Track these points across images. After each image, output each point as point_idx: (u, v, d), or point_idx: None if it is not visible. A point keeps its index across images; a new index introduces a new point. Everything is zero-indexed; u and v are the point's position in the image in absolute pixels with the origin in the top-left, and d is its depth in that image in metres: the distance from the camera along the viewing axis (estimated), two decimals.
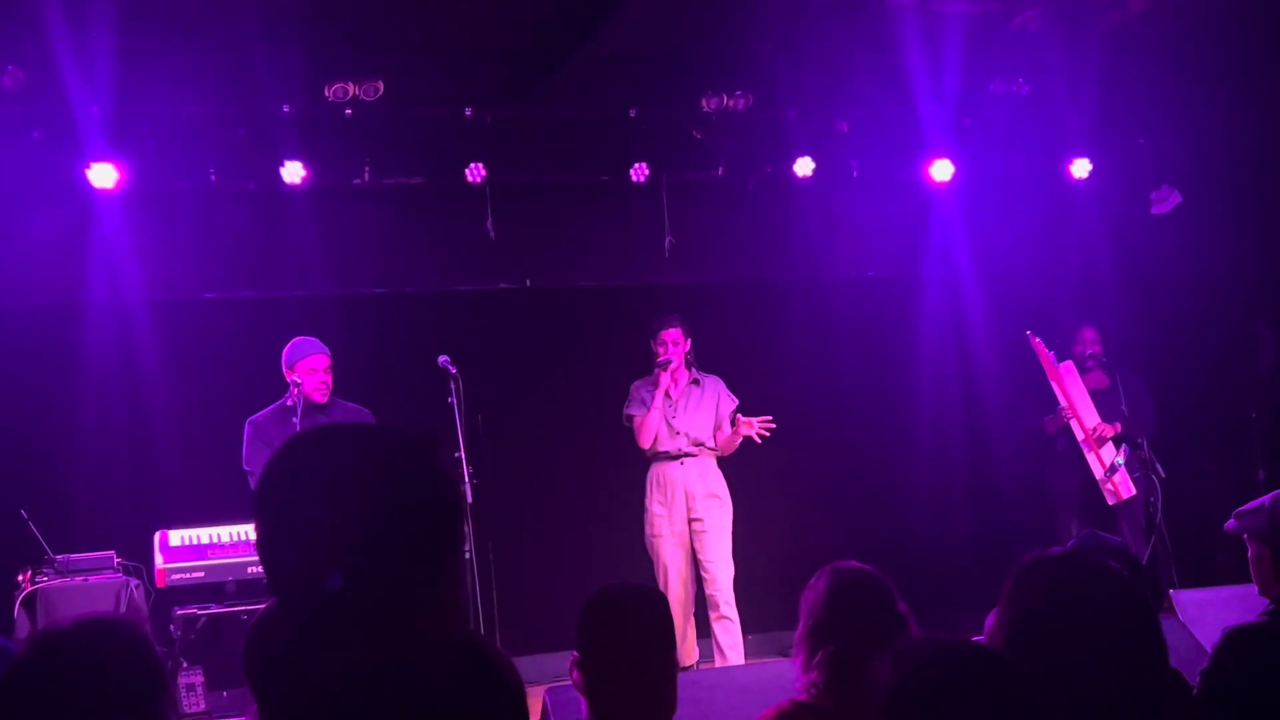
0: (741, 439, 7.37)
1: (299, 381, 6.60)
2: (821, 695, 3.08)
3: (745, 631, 7.47)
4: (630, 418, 7.62)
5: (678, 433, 7.47)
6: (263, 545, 1.65)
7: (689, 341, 7.58)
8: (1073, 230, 9.09)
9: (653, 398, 7.50)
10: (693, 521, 7.42)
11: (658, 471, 7.51)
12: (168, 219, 7.79)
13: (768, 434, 7.29)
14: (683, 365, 7.53)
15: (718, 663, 7.19)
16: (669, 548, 7.40)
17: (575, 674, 3.00)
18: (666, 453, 7.50)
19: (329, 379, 6.68)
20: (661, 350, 7.51)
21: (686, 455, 7.47)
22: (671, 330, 7.54)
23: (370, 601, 1.59)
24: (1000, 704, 2.03)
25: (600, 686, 2.97)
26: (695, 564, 7.40)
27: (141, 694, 2.32)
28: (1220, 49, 7.93)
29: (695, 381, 7.59)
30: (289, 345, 6.75)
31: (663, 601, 3.10)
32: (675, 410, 7.49)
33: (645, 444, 7.51)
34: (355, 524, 1.59)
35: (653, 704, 2.98)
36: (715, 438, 7.48)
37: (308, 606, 1.61)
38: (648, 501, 7.51)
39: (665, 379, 7.46)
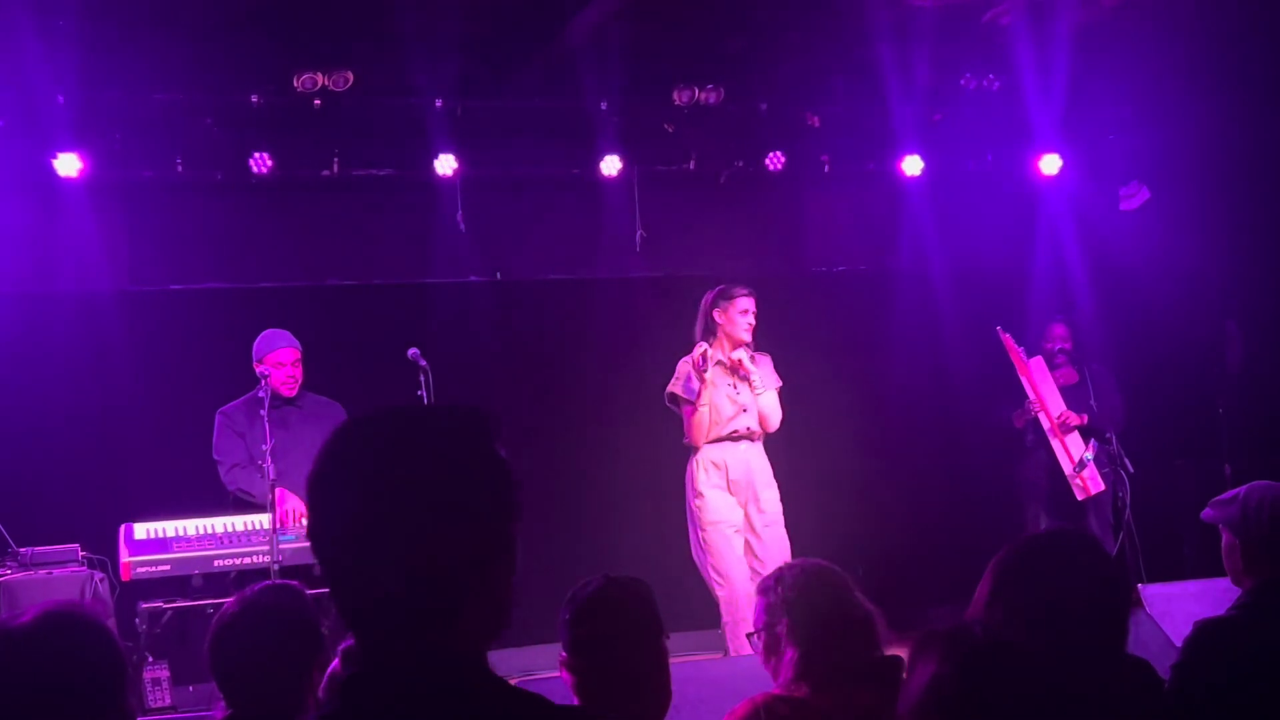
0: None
1: (266, 374, 6.56)
2: (792, 688, 3.08)
3: (708, 625, 7.43)
4: (674, 397, 7.01)
5: (746, 409, 6.86)
6: (313, 534, 1.63)
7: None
8: (1042, 226, 9.13)
9: (701, 380, 6.81)
10: (754, 513, 6.86)
11: (712, 455, 6.86)
12: (135, 209, 7.73)
13: (746, 374, 6.86)
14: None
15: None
16: (730, 538, 6.79)
17: (565, 674, 2.95)
18: (733, 433, 6.87)
19: (298, 372, 6.66)
20: (744, 323, 6.86)
21: (749, 437, 6.91)
22: (751, 299, 6.92)
23: (423, 591, 1.57)
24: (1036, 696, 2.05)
25: (593, 684, 2.91)
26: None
27: (103, 684, 2.29)
28: (1190, 45, 7.95)
29: (751, 358, 6.99)
30: (259, 338, 6.72)
31: (647, 590, 3.03)
32: (738, 388, 6.88)
33: (699, 441, 6.88)
34: (405, 511, 1.56)
35: (647, 696, 2.94)
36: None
37: (362, 596, 1.58)
38: (699, 486, 6.86)
39: (741, 354, 6.85)
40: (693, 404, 6.82)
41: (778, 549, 6.76)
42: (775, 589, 3.20)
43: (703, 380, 6.80)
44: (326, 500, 1.61)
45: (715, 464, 6.86)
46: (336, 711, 1.61)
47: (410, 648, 1.57)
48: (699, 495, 6.86)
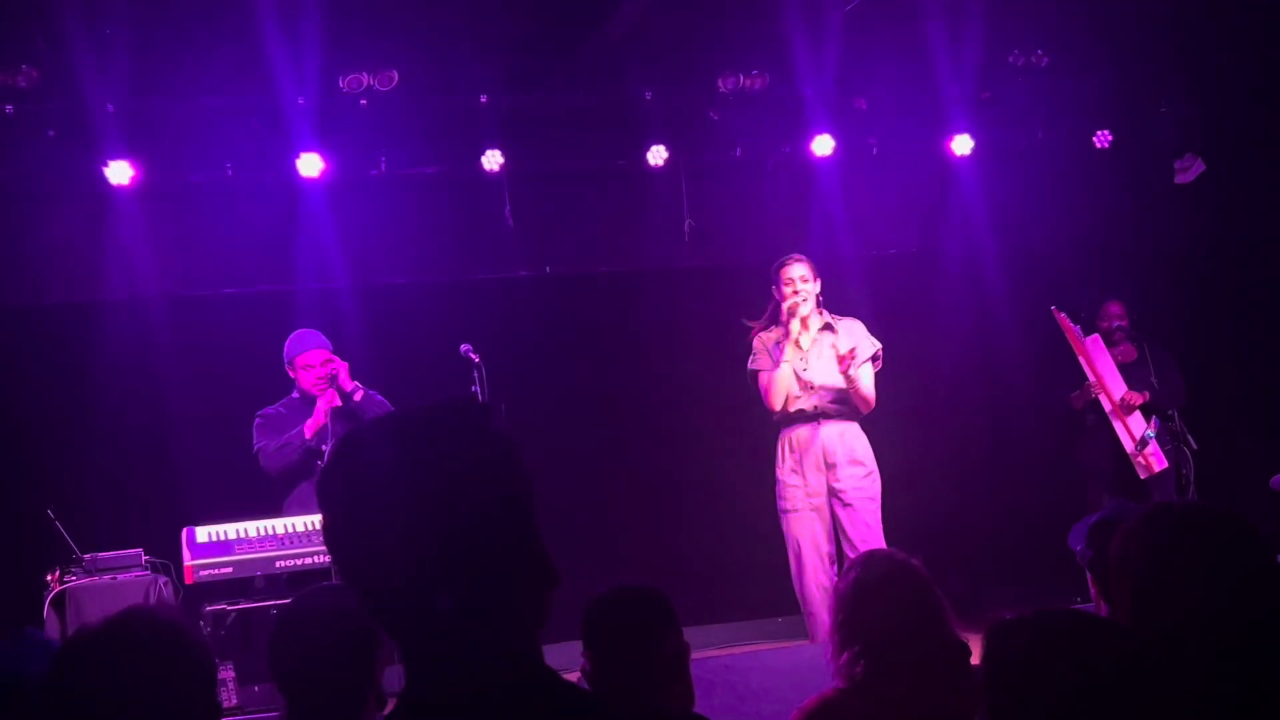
0: (859, 381, 6.56)
1: (296, 378, 6.64)
2: (860, 683, 3.05)
3: (767, 614, 7.39)
4: (755, 374, 6.73)
5: (811, 388, 6.59)
6: (328, 539, 1.62)
7: (819, 280, 6.70)
8: (1095, 202, 9.01)
9: (780, 350, 6.61)
10: (836, 494, 6.57)
11: (790, 435, 6.64)
12: (184, 215, 7.77)
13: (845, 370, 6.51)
14: (816, 309, 6.66)
15: None
16: (804, 523, 6.54)
17: (580, 680, 2.99)
18: (801, 412, 6.61)
19: (328, 369, 6.63)
20: (788, 292, 6.59)
21: (823, 415, 6.61)
22: (797, 266, 6.63)
23: (461, 586, 1.55)
24: (1107, 670, 2.01)
25: (603, 685, 2.96)
26: (837, 542, 6.59)
27: (195, 683, 2.29)
28: (1241, 12, 7.82)
29: (828, 327, 6.68)
30: (289, 339, 6.75)
31: (661, 598, 3.07)
32: (806, 362, 6.58)
33: (775, 404, 6.60)
34: (417, 512, 1.55)
35: (665, 700, 2.97)
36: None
37: (395, 597, 1.57)
38: (778, 470, 6.66)
39: (791, 329, 6.57)
40: (772, 369, 6.60)
41: (865, 531, 6.47)
42: (846, 578, 3.18)
43: (788, 335, 6.57)
44: (341, 508, 1.60)
45: (790, 445, 6.64)
46: (399, 711, 1.59)
47: (456, 646, 1.56)
48: (776, 479, 6.68)
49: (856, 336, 6.66)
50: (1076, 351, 8.00)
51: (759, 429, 8.41)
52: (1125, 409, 7.85)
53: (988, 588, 8.18)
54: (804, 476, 6.57)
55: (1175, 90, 8.68)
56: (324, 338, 6.72)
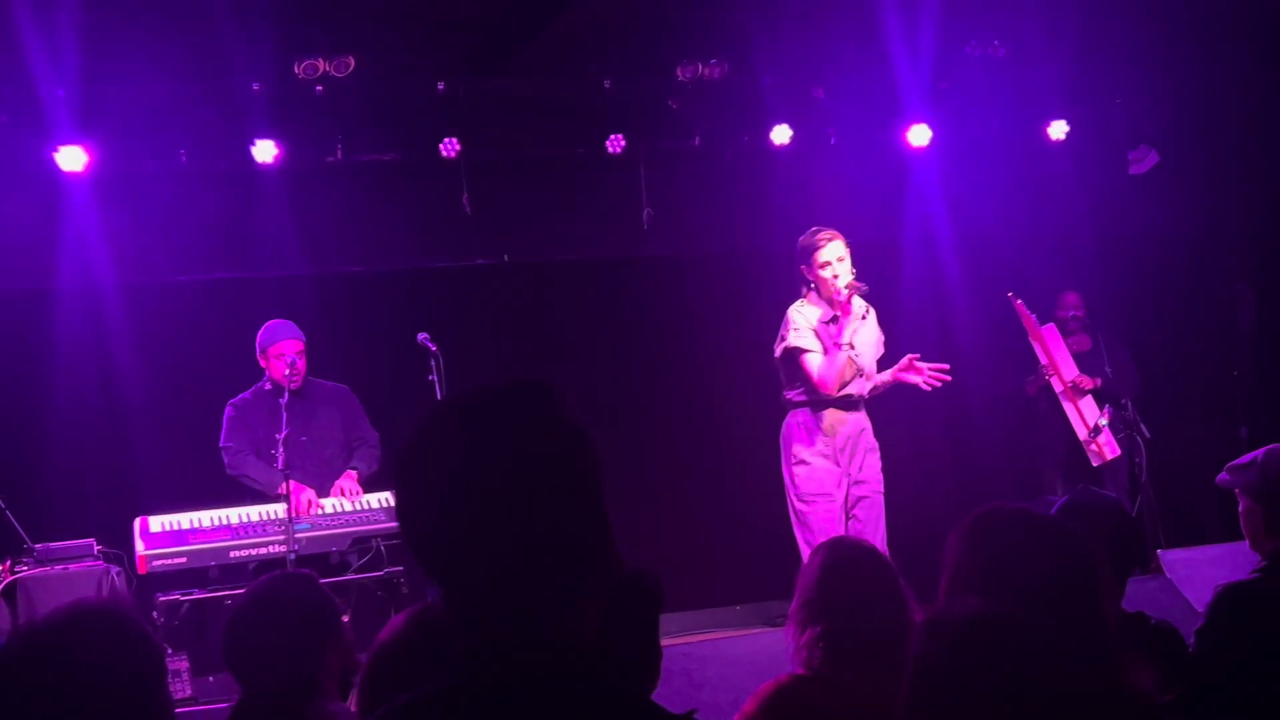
0: (892, 384, 6.38)
1: (268, 366, 6.61)
2: (818, 669, 3.06)
3: (725, 602, 7.39)
4: (798, 353, 6.26)
5: (861, 374, 6.31)
6: (403, 517, 1.62)
7: (850, 255, 6.29)
8: (1051, 192, 9.08)
9: (830, 331, 6.23)
10: (858, 481, 6.33)
11: (829, 420, 6.28)
12: (138, 201, 7.69)
13: (938, 384, 6.35)
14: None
15: None
16: (834, 512, 6.24)
17: None
18: (848, 398, 6.30)
19: (301, 364, 6.62)
20: (827, 274, 6.20)
21: (857, 403, 6.35)
22: (836, 243, 6.22)
23: (518, 577, 1.55)
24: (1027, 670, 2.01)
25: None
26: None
27: (144, 679, 2.28)
28: (1196, 6, 7.89)
29: (867, 310, 6.40)
30: (263, 328, 6.72)
31: (653, 583, 3.04)
32: (855, 347, 6.27)
33: (833, 388, 6.22)
34: (490, 499, 1.54)
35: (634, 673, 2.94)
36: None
37: (469, 577, 1.56)
38: (799, 453, 6.30)
39: (858, 306, 6.26)
40: (822, 352, 6.22)
41: (877, 520, 6.32)
42: (813, 561, 3.18)
43: (846, 311, 6.20)
44: (417, 488, 1.60)
45: (827, 429, 6.28)
46: (447, 690, 1.57)
47: (524, 632, 1.55)
48: (800, 463, 6.31)
49: (876, 323, 6.53)
50: (1032, 338, 8.08)
51: (719, 416, 8.46)
52: (1077, 392, 7.92)
53: (936, 570, 8.22)
54: (840, 462, 6.29)
55: (1130, 82, 8.74)
56: (299, 330, 6.70)
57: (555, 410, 1.61)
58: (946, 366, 6.34)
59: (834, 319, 6.27)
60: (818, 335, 6.28)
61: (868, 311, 6.46)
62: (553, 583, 1.56)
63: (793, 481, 6.34)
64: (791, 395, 6.42)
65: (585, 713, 1.54)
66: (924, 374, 6.29)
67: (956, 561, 2.61)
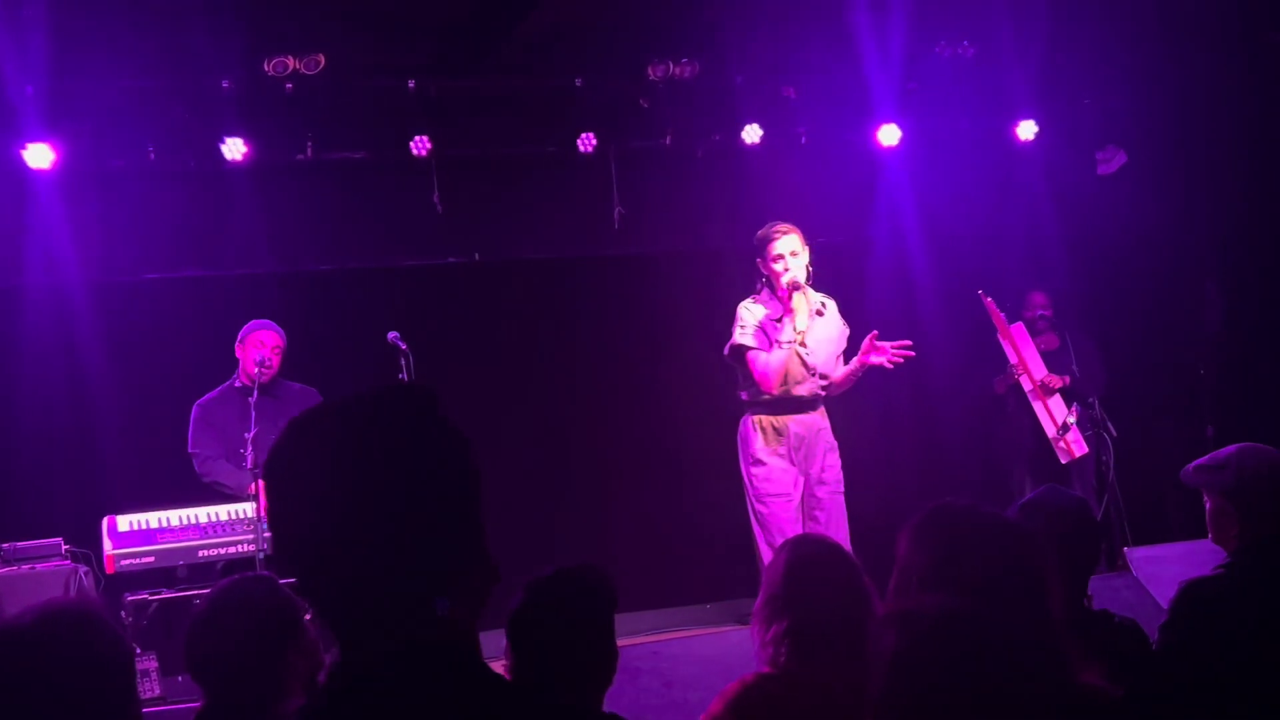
0: (861, 372, 6.23)
1: (244, 353, 6.64)
2: (783, 666, 3.07)
3: (695, 600, 7.40)
4: (742, 350, 6.22)
5: (813, 374, 6.24)
6: (275, 523, 1.62)
7: (808, 249, 6.25)
8: (1019, 192, 9.11)
9: (777, 328, 6.16)
10: (818, 481, 6.28)
11: (781, 420, 6.24)
12: (107, 199, 7.64)
13: (901, 361, 6.21)
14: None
15: None
16: (790, 512, 6.19)
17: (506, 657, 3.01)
18: (799, 398, 6.25)
19: (275, 359, 6.62)
20: (779, 267, 6.14)
21: (818, 401, 6.30)
22: (788, 238, 6.15)
23: (402, 572, 1.55)
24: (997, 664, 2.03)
25: (525, 670, 2.98)
26: None
27: (113, 680, 2.27)
28: (1165, 6, 7.94)
29: (823, 306, 6.31)
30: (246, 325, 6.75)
31: (601, 582, 3.08)
32: (807, 345, 6.19)
33: (775, 387, 6.16)
34: (360, 499, 1.55)
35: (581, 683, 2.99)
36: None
37: (337, 584, 1.57)
38: (758, 454, 6.23)
39: (798, 302, 6.10)
40: (774, 352, 6.15)
41: (838, 519, 6.27)
42: (779, 557, 3.19)
43: (787, 309, 6.13)
44: (288, 491, 1.60)
45: (776, 428, 6.25)
46: (321, 707, 1.58)
47: (393, 634, 1.55)
48: (757, 463, 6.27)
49: (838, 316, 6.44)
50: (1001, 336, 8.12)
51: (692, 414, 8.46)
52: (1045, 391, 7.98)
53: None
54: (796, 461, 6.25)
55: (1099, 82, 8.79)
56: (280, 330, 6.75)
57: (430, 414, 1.62)
58: (909, 343, 6.24)
59: (782, 317, 6.24)
60: (765, 332, 6.22)
61: (823, 307, 6.36)
62: (423, 584, 1.56)
63: (750, 482, 6.31)
64: (743, 395, 6.41)
65: (456, 709, 1.54)
66: (887, 353, 6.17)
67: (907, 557, 2.63)
